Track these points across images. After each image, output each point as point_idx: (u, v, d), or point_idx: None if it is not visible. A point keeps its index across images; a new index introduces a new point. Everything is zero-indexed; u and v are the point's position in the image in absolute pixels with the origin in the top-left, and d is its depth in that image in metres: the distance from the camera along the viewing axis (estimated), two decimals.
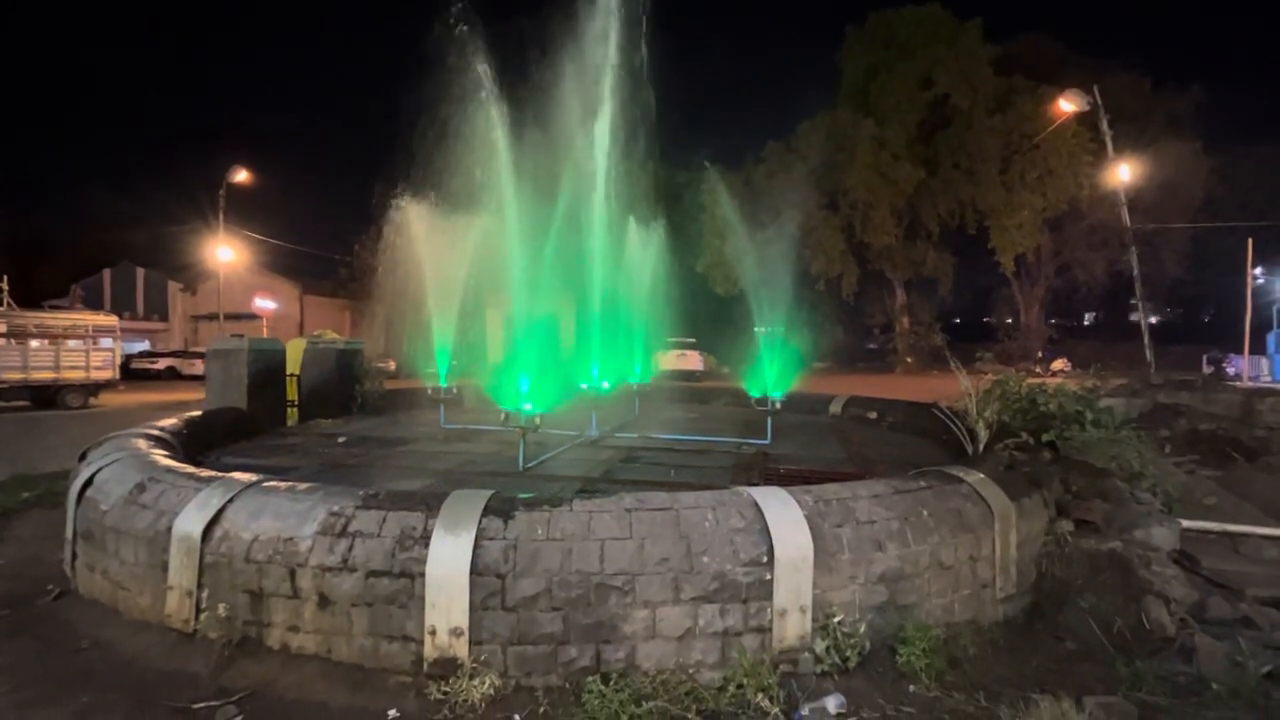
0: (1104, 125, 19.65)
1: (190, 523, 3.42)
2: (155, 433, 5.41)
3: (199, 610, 3.30)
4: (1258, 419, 9.05)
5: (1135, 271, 19.64)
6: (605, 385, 8.01)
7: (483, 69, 6.72)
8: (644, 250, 9.30)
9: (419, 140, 6.90)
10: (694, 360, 25.64)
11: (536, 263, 6.95)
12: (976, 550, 3.71)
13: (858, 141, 30.13)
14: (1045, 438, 5.32)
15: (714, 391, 12.65)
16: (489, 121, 6.67)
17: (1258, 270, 23.78)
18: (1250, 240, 21.75)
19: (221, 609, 3.24)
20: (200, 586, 3.33)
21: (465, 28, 6.77)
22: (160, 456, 4.44)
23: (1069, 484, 4.87)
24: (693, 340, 26.07)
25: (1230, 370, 21.34)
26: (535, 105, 7.55)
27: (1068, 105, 20.91)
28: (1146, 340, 18.80)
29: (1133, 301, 20.12)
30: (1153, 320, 21.49)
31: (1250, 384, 16.45)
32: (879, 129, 30.67)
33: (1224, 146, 30.22)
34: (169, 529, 3.46)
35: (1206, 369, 22.39)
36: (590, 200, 7.86)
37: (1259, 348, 21.97)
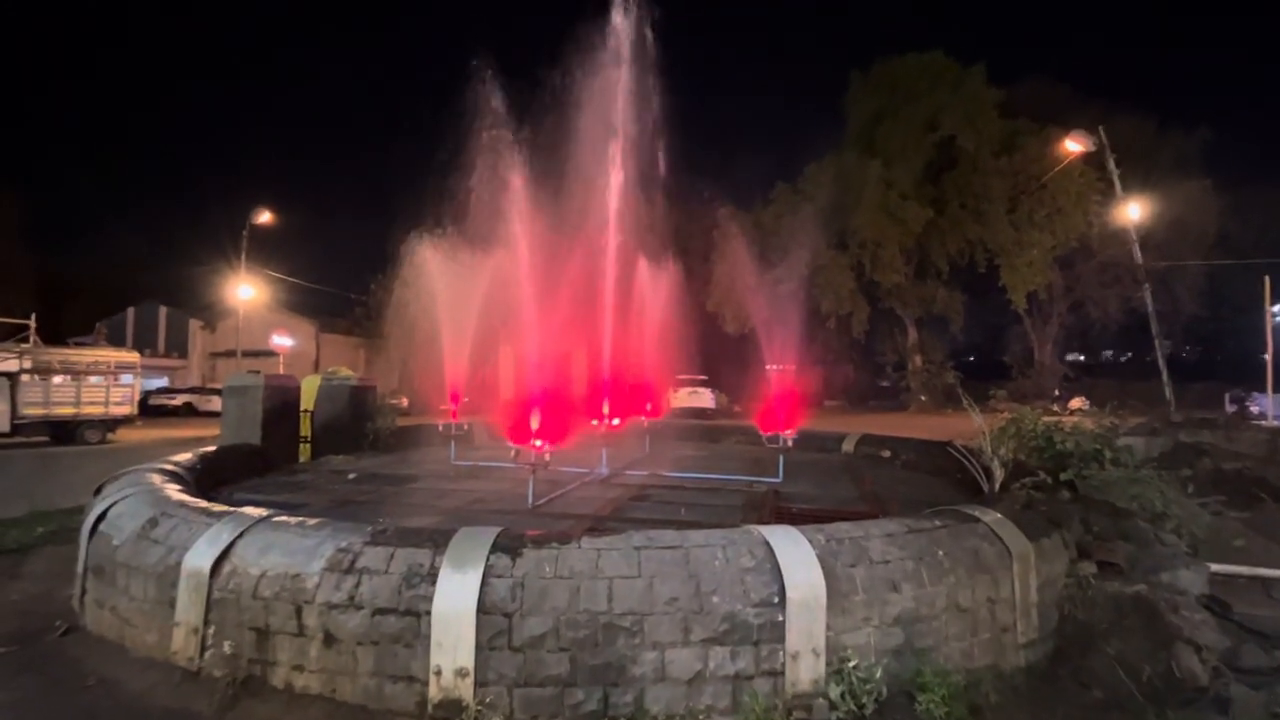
0: (1111, 164, 19.79)
1: (200, 558, 3.43)
2: (170, 468, 5.47)
3: (204, 648, 3.28)
4: None
5: (1150, 308, 19.48)
6: (616, 422, 8.00)
7: (499, 114, 6.98)
8: (655, 288, 9.41)
9: (436, 182, 7.12)
10: (705, 398, 25.58)
11: (549, 301, 7.06)
12: (995, 592, 3.61)
13: (865, 182, 30.55)
14: (1063, 476, 5.21)
15: (725, 429, 12.57)
16: (505, 164, 6.89)
17: (1277, 308, 23.48)
18: (1267, 278, 21.54)
19: (227, 646, 3.21)
20: (207, 623, 3.32)
21: (485, 76, 7.07)
22: (174, 491, 4.47)
23: (1089, 524, 4.75)
24: (704, 378, 26.06)
25: (1255, 409, 20.87)
26: (550, 148, 7.79)
27: (1074, 145, 21.13)
28: (1165, 378, 18.50)
29: (1154, 339, 19.83)
30: (1171, 357, 21.16)
31: (1276, 423, 16.08)
32: (886, 170, 31.12)
33: (1235, 183, 30.29)
34: (179, 564, 3.46)
35: (1230, 407, 21.92)
36: (603, 240, 8.01)
37: None
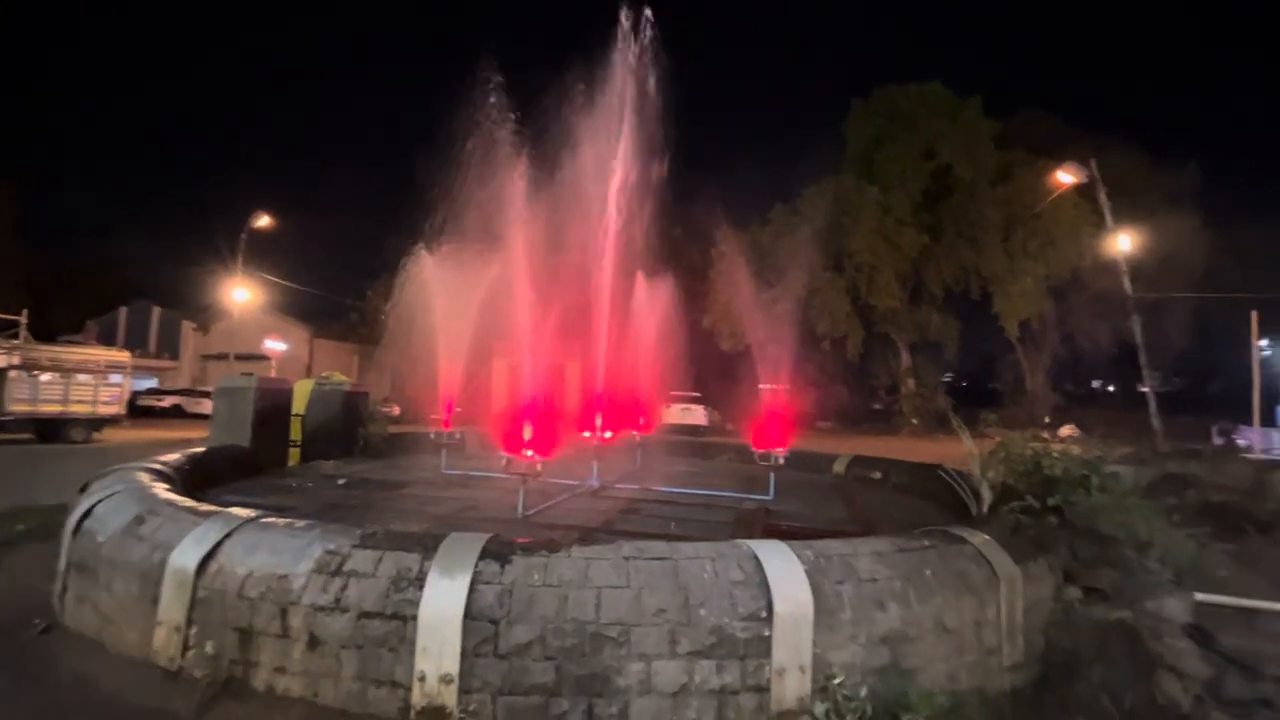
0: (1102, 197, 20.13)
1: (185, 556, 3.40)
2: (158, 467, 5.43)
3: (186, 647, 3.24)
4: (1270, 492, 8.87)
5: (1139, 340, 19.70)
6: (608, 435, 8.00)
7: (499, 126, 7.06)
8: (651, 303, 9.46)
9: (436, 189, 7.18)
10: (698, 414, 25.57)
11: (544, 313, 7.10)
12: (981, 614, 3.62)
13: (862, 206, 30.94)
14: (1051, 502, 5.23)
15: (717, 446, 12.57)
16: (505, 174, 6.95)
17: (1264, 342, 23.79)
18: (1254, 313, 21.87)
19: (209, 646, 3.18)
20: (190, 623, 3.28)
21: (485, 86, 7.16)
22: (161, 490, 4.44)
23: (1076, 550, 4.77)
24: (697, 394, 26.07)
25: (1241, 442, 21.03)
26: (548, 162, 7.87)
27: (1066, 177, 21.50)
28: (1154, 409, 18.67)
29: (1143, 370, 20.05)
30: (1159, 389, 21.36)
31: (1262, 456, 16.22)
32: (883, 195, 31.54)
33: (1223, 222, 30.85)
34: (164, 562, 3.44)
35: (1217, 440, 22.09)
36: (599, 254, 8.07)
37: (1269, 420, 21.74)
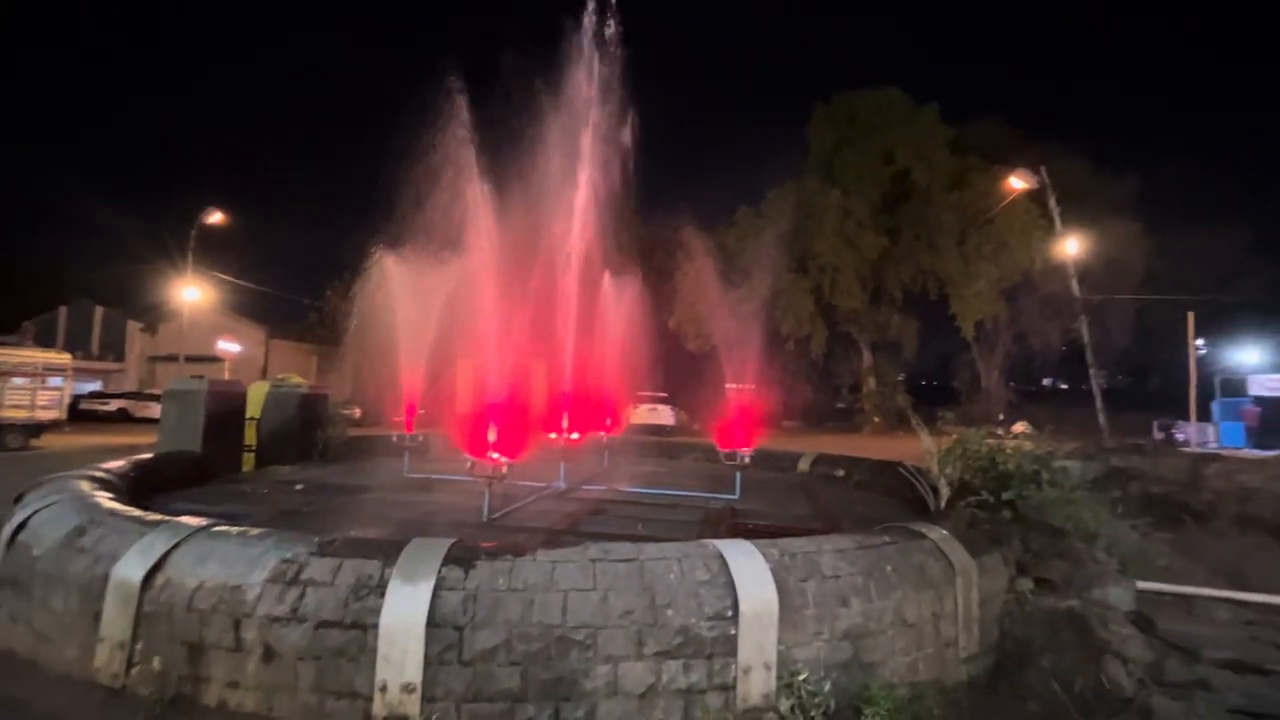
0: (1052, 203, 20.98)
1: (130, 568, 3.25)
2: (101, 475, 5.18)
3: (131, 664, 3.10)
4: (1205, 484, 9.34)
5: (1086, 340, 20.58)
6: (575, 436, 7.96)
7: (463, 126, 6.96)
8: (617, 304, 9.45)
9: (398, 190, 7.03)
10: (665, 415, 25.67)
11: (510, 314, 7.01)
12: (939, 607, 3.72)
13: (825, 209, 31.55)
14: (1005, 496, 5.42)
15: (684, 446, 12.63)
16: (468, 175, 6.85)
17: (1199, 341, 25.10)
18: (1190, 314, 23.09)
19: (156, 662, 3.05)
20: (135, 638, 3.14)
21: (449, 84, 7.04)
22: (104, 499, 4.24)
23: (1028, 543, 4.94)
24: (665, 395, 26.15)
25: (1180, 436, 22.14)
26: (514, 162, 7.79)
27: (1018, 183, 22.35)
28: (1099, 405, 19.51)
29: (1089, 369, 20.98)
30: (1104, 387, 22.38)
31: (1198, 450, 17.10)
32: (845, 198, 32.20)
33: (1161, 228, 32.45)
34: (106, 575, 3.28)
35: (1157, 435, 23.20)
36: (566, 254, 8.02)
37: (1205, 415, 22.94)
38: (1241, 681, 3.87)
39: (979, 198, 30.47)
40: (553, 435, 7.75)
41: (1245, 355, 27.59)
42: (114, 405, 28.87)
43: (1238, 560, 6.52)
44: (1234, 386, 24.20)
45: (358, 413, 20.49)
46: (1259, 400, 23.02)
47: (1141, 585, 5.08)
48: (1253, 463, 9.62)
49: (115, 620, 3.18)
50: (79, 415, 25.62)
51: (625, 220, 9.14)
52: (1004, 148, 32.57)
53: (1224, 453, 15.65)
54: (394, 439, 7.81)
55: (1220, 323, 30.87)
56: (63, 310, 40.39)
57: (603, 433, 9.20)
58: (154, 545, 3.33)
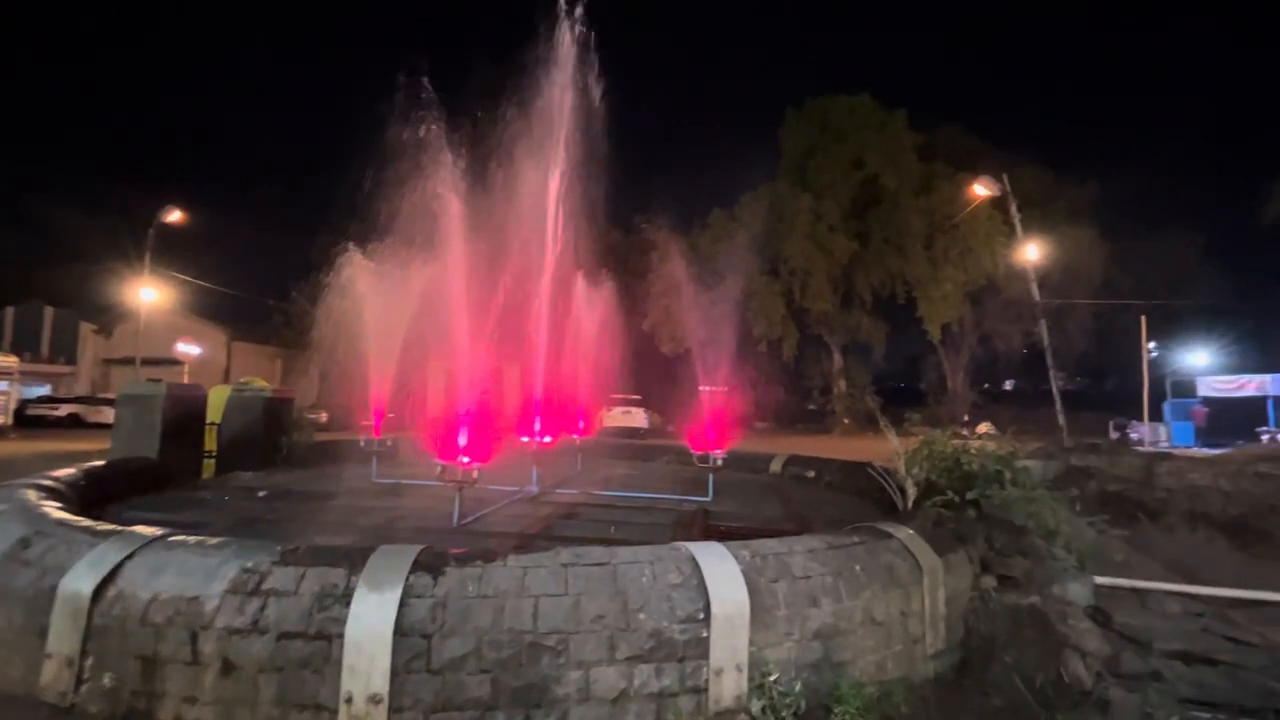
0: (1013, 210, 21.61)
1: (80, 581, 3.11)
2: (49, 484, 4.97)
3: (80, 680, 2.97)
4: (1158, 482, 9.68)
5: (1046, 343, 21.23)
6: (547, 440, 7.91)
7: (431, 125, 6.87)
8: (590, 306, 9.42)
9: (365, 190, 6.91)
10: (638, 417, 25.69)
11: (481, 316, 6.94)
12: (907, 605, 3.79)
13: (797, 213, 31.98)
14: (970, 495, 5.55)
15: (657, 449, 12.64)
16: (438, 175, 6.77)
17: (1152, 345, 26.12)
18: (1144, 318, 24.02)
19: (107, 679, 2.92)
20: (85, 653, 3.01)
21: (419, 85, 6.95)
22: (52, 509, 4.06)
23: (992, 541, 5.07)
24: (638, 397, 26.17)
25: (1134, 436, 23.00)
26: (485, 162, 7.72)
27: (981, 190, 22.99)
28: (1059, 406, 20.14)
29: (1049, 371, 21.67)
30: (1064, 388, 23.12)
31: (1151, 449, 17.77)
32: (816, 202, 32.71)
33: (1117, 234, 33.69)
34: (54, 588, 3.13)
35: (1113, 434, 24.06)
36: (537, 256, 7.97)
37: (1157, 415, 23.88)
38: (1191, 672, 4.02)
39: (946, 203, 31.24)
40: (524, 439, 7.68)
41: (1195, 358, 28.85)
42: (64, 410, 27.71)
43: (1188, 555, 6.80)
44: (1184, 388, 25.29)
45: (324, 417, 20.06)
46: (1207, 401, 24.07)
47: (1100, 580, 5.26)
48: (1201, 461, 10.02)
49: (63, 635, 3.04)
50: (26, 421, 24.54)
51: (598, 222, 9.10)
52: (969, 155, 33.46)
53: (1175, 451, 16.31)
54: (361, 443, 7.66)
55: (1172, 326, 32.29)
56: (9, 311, 38.69)
57: (575, 436, 9.16)
58: (105, 556, 3.20)
